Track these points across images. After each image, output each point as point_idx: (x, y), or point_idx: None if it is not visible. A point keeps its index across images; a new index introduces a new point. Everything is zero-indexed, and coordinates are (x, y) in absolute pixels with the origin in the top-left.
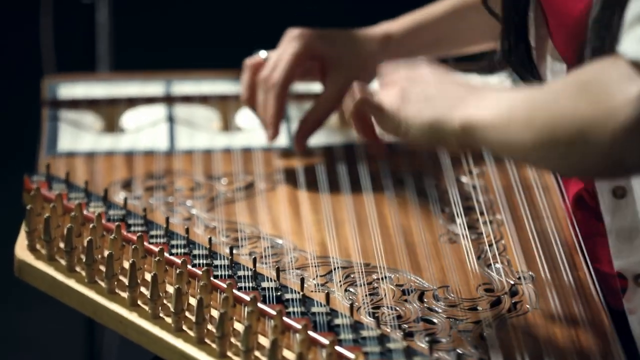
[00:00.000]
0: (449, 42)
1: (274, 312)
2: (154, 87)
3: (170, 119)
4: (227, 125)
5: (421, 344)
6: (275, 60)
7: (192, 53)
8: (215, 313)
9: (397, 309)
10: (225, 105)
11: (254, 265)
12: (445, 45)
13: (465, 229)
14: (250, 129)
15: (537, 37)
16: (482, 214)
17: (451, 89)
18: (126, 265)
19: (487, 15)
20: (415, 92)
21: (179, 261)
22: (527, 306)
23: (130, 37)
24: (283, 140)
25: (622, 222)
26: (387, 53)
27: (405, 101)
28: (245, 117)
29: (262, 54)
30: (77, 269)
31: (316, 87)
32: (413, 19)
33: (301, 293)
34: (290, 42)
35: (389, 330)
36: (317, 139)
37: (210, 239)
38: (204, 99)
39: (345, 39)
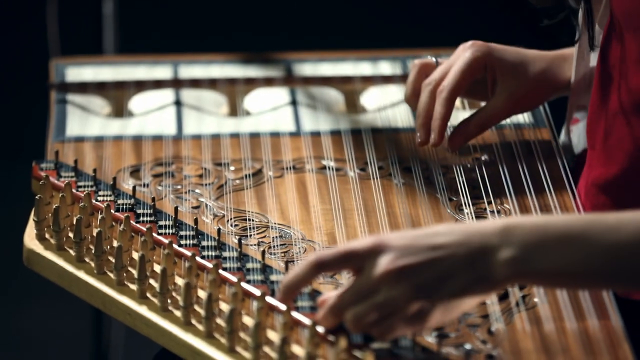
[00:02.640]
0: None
1: (283, 308)
2: (161, 71)
3: (179, 103)
4: (236, 109)
5: (429, 339)
6: (446, 66)
7: (197, 41)
8: (224, 306)
9: None
10: (233, 89)
11: (263, 258)
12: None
13: (473, 218)
14: (258, 113)
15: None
16: (489, 203)
17: (457, 251)
18: (135, 256)
19: None
20: (426, 283)
21: (188, 254)
22: (536, 300)
23: (137, 25)
24: (291, 126)
25: None
26: (559, 72)
27: (426, 299)
28: (253, 101)
29: (431, 58)
30: (86, 259)
31: (324, 69)
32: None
33: (310, 286)
34: (464, 51)
35: None
36: (325, 125)
37: (219, 230)
38: (212, 83)
39: (516, 53)
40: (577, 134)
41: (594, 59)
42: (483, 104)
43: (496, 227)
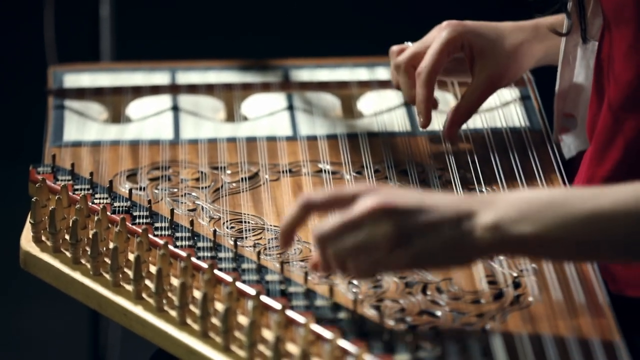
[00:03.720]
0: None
1: (278, 307)
2: (159, 77)
3: (176, 109)
4: (233, 115)
5: (424, 336)
6: (420, 45)
7: (195, 46)
8: (219, 306)
9: (401, 302)
10: (230, 94)
11: (258, 258)
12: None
13: None
14: (255, 119)
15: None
16: None
17: (445, 206)
18: (131, 257)
19: None
20: (410, 226)
21: (183, 254)
22: (530, 299)
23: (133, 30)
24: (288, 130)
25: None
26: (536, 41)
27: (406, 243)
28: (251, 106)
29: (408, 44)
30: (82, 261)
31: (321, 75)
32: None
33: (305, 286)
34: (440, 31)
35: (391, 323)
36: (321, 129)
37: (214, 231)
38: (209, 89)
39: (492, 29)
40: (567, 144)
41: (579, 73)
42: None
43: (484, 197)
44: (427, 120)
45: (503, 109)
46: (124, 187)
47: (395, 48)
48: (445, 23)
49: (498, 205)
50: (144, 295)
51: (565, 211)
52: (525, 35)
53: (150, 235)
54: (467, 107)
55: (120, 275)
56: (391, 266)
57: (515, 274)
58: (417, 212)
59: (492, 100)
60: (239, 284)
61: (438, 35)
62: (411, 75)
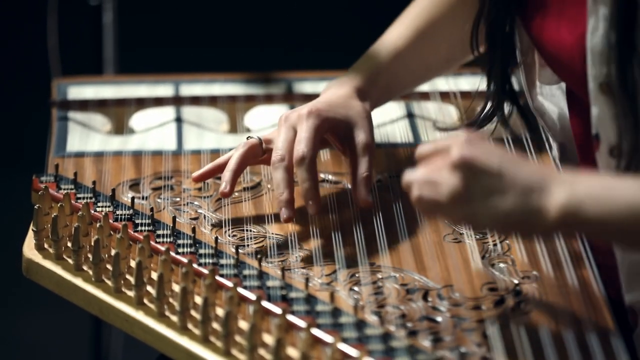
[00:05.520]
0: (426, 70)
1: (278, 311)
2: (163, 90)
3: (179, 120)
4: (236, 126)
5: (424, 342)
6: (285, 138)
7: (197, 54)
8: (220, 311)
9: (402, 307)
10: (234, 106)
11: (259, 265)
12: (424, 73)
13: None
14: (258, 130)
15: (524, 65)
16: None
17: (521, 175)
18: (133, 264)
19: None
20: (479, 186)
21: (185, 260)
22: (531, 305)
23: (136, 38)
24: None
25: (634, 255)
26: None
27: (468, 200)
28: (254, 118)
29: (256, 138)
30: (84, 267)
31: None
32: (376, 66)
33: (306, 292)
34: (306, 120)
35: (392, 328)
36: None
37: (216, 239)
38: (212, 100)
39: (338, 102)
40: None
41: (552, 110)
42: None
43: (560, 174)
44: (319, 205)
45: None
46: (126, 196)
47: (248, 143)
48: (304, 111)
49: (571, 185)
50: (145, 300)
51: (633, 197)
52: (360, 106)
53: (152, 242)
54: (364, 178)
55: (122, 282)
56: (448, 215)
57: (516, 281)
58: (491, 175)
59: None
60: (240, 289)
61: (305, 123)
62: (288, 171)
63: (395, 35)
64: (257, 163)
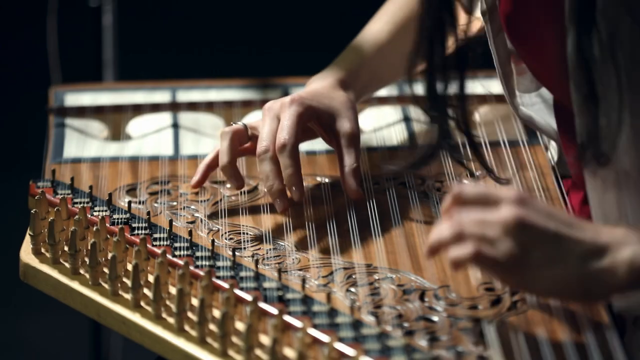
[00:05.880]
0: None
1: (275, 311)
2: (160, 96)
3: (176, 126)
4: None
5: (421, 342)
6: (269, 129)
7: (197, 57)
8: (217, 313)
9: (398, 308)
10: (230, 112)
11: (256, 266)
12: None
13: None
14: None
15: (504, 75)
16: None
17: (578, 239)
18: (129, 267)
19: None
20: (537, 253)
21: (181, 262)
22: (527, 305)
23: (136, 40)
24: None
25: None
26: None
27: (526, 266)
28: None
29: (240, 124)
30: (81, 271)
31: None
32: (358, 59)
33: (302, 293)
34: (288, 108)
35: (389, 328)
36: (321, 145)
37: (213, 241)
38: (209, 106)
39: (322, 92)
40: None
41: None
42: None
43: (615, 230)
44: (302, 193)
45: (502, 123)
46: (123, 201)
47: (229, 130)
48: (286, 100)
49: (632, 240)
50: (142, 303)
51: None
52: (345, 96)
53: (149, 245)
54: (351, 170)
55: (119, 285)
56: (504, 277)
57: None
58: (548, 240)
59: (492, 114)
60: (236, 291)
61: (288, 111)
62: (275, 161)
63: (376, 29)
64: (244, 153)
